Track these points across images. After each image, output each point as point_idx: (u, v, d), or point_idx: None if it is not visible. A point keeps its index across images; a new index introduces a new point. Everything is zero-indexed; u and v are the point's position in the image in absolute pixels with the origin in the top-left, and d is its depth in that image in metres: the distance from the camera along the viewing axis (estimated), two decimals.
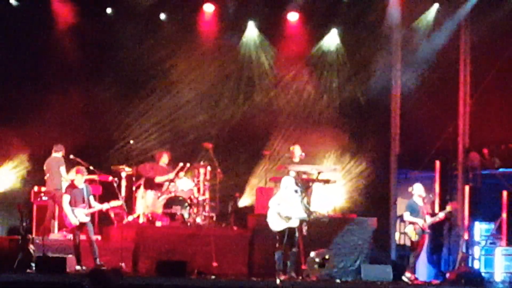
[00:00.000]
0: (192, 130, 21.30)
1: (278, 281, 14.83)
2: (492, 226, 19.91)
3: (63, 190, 17.88)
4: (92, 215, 17.79)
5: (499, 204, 19.66)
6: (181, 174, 19.63)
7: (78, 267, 16.85)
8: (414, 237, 18.02)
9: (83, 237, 17.28)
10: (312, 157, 20.08)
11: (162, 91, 21.48)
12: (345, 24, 21.70)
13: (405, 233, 18.69)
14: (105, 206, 17.66)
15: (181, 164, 19.34)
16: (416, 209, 18.09)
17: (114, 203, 17.72)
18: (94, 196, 17.88)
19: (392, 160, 21.48)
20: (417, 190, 18.26)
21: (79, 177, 17.38)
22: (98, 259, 16.98)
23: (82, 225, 17.21)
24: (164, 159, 19.97)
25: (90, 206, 17.34)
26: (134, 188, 19.54)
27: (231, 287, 15.60)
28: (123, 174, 19.57)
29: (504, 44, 20.65)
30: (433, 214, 18.56)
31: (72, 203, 17.20)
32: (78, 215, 17.17)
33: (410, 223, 18.09)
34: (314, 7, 21.55)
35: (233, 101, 21.71)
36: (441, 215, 18.32)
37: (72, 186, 17.42)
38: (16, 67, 20.35)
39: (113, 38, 21.12)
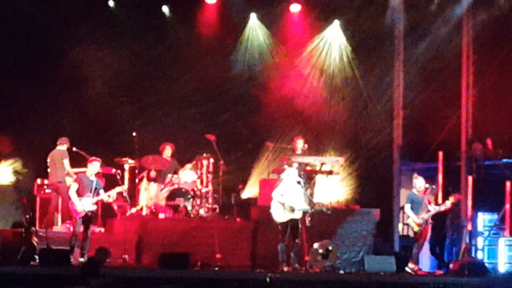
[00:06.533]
0: (195, 122, 21.28)
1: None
2: (495, 216, 19.89)
3: (67, 183, 17.93)
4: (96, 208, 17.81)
5: (503, 194, 19.65)
6: (188, 165, 19.68)
7: (82, 260, 16.85)
8: (416, 228, 17.98)
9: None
10: (315, 148, 20.07)
11: (164, 83, 21.47)
12: (348, 15, 21.67)
13: (407, 224, 18.66)
14: (111, 193, 17.60)
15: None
16: (417, 201, 18.03)
17: (119, 188, 17.72)
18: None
19: (395, 151, 21.45)
20: (417, 185, 18.14)
21: (92, 167, 17.39)
22: (86, 255, 16.90)
23: (86, 217, 17.20)
24: (167, 151, 19.97)
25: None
26: (137, 180, 19.54)
27: (235, 279, 15.53)
28: (126, 167, 19.59)
29: (507, 34, 20.60)
30: (436, 205, 18.51)
31: (79, 193, 17.20)
32: (84, 204, 17.17)
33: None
34: None
35: (236, 92, 21.66)
36: (445, 205, 18.25)
37: (83, 175, 17.42)
38: (17, 60, 20.34)
39: (116, 30, 21.13)
